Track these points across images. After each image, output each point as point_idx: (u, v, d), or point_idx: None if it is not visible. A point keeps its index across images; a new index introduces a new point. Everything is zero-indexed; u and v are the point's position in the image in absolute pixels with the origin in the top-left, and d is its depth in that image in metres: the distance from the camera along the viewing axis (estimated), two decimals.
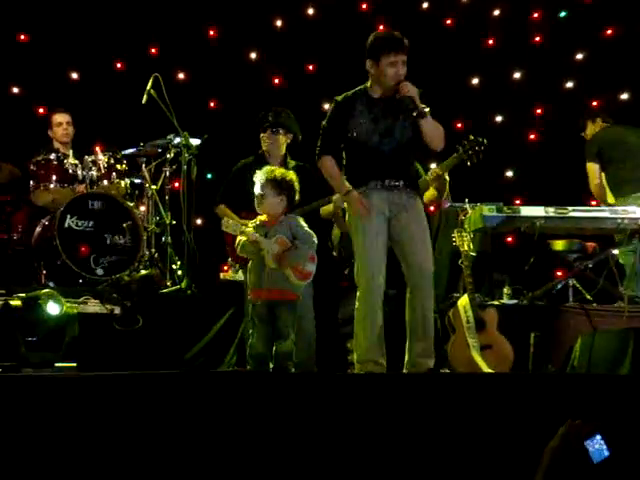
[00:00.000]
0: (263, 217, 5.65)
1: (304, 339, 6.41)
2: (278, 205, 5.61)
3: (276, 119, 6.81)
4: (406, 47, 5.70)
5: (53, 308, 5.89)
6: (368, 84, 5.83)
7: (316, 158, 5.91)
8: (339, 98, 5.87)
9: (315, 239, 5.65)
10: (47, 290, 6.12)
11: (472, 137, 6.86)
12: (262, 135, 6.86)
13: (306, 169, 6.85)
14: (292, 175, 5.71)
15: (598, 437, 2.33)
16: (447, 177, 6.94)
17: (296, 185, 5.68)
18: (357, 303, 5.76)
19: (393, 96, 5.68)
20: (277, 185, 5.59)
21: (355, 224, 5.78)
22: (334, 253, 7.20)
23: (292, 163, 6.86)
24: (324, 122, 5.91)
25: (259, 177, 5.63)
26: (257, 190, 5.61)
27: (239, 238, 5.55)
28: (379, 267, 5.71)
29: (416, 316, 5.75)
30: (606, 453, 2.32)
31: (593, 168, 8.08)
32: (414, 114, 5.59)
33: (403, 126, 5.73)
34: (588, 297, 7.62)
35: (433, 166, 7.26)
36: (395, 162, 5.75)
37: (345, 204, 5.94)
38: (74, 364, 5.74)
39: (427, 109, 5.62)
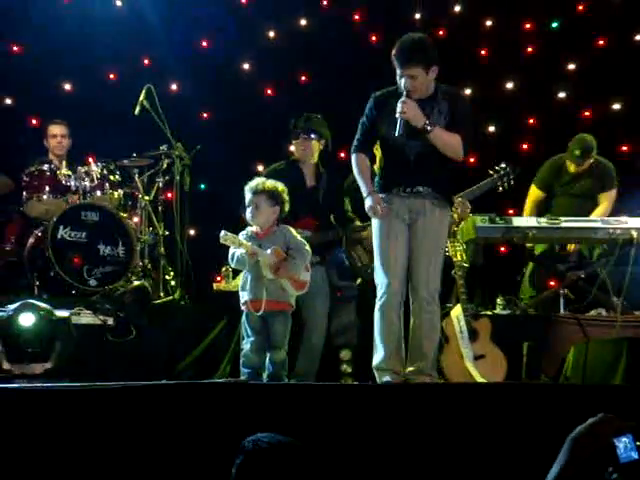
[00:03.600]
0: (253, 228, 5.66)
1: (309, 354, 6.42)
2: (272, 216, 5.63)
3: (308, 124, 6.69)
4: (416, 58, 5.49)
5: (26, 319, 5.86)
6: None
7: (350, 153, 5.84)
8: (377, 93, 5.78)
9: (308, 248, 5.67)
10: (24, 301, 6.11)
11: (505, 164, 6.89)
12: (294, 142, 6.75)
13: (338, 178, 6.81)
14: (283, 186, 5.72)
15: (630, 437, 2.29)
16: (469, 205, 6.85)
17: (286, 196, 5.69)
18: (375, 307, 5.67)
19: (420, 99, 5.59)
20: (272, 196, 5.61)
21: (375, 227, 5.71)
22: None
23: (324, 171, 6.80)
24: (361, 118, 5.82)
25: (251, 188, 5.63)
26: (249, 201, 5.61)
27: (233, 250, 5.55)
28: (396, 272, 5.61)
29: (416, 335, 5.66)
30: (635, 456, 2.27)
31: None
32: (402, 134, 5.52)
33: None
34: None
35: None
36: (420, 166, 5.63)
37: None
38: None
39: (429, 127, 5.48)
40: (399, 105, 5.50)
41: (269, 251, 5.48)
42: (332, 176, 6.80)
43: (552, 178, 8.27)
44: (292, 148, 6.83)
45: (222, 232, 5.49)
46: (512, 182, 6.91)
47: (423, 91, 5.61)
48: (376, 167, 5.86)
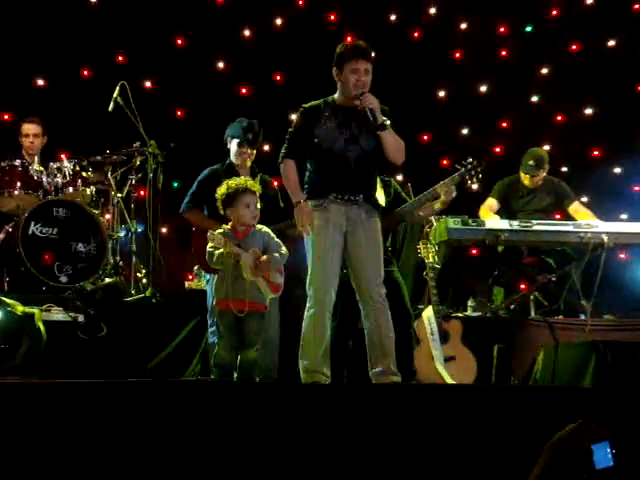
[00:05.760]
0: (227, 226, 5.64)
1: (268, 347, 6.41)
2: None
3: (254, 135, 6.81)
4: (370, 55, 5.71)
5: None
6: (336, 94, 5.83)
7: (279, 161, 5.86)
8: (306, 105, 5.85)
9: (285, 250, 5.67)
10: None
11: (471, 159, 6.85)
12: (239, 149, 6.80)
13: (270, 182, 6.91)
14: None
15: (606, 444, 2.32)
16: (455, 190, 6.78)
17: None
18: (307, 313, 5.68)
19: (355, 107, 5.69)
20: (260, 198, 5.66)
21: (310, 236, 5.71)
22: None
23: (258, 175, 6.86)
24: (290, 129, 5.88)
25: (249, 188, 5.60)
26: (252, 202, 5.59)
27: (211, 249, 5.51)
28: (332, 281, 5.65)
29: (375, 336, 5.67)
30: (611, 463, 2.30)
31: None
32: (375, 125, 5.59)
33: (368, 135, 5.69)
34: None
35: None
36: (358, 173, 5.69)
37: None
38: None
39: (387, 122, 5.60)
40: (364, 97, 5.59)
41: (249, 252, 5.48)
42: (264, 176, 6.95)
43: (507, 191, 8.33)
44: (232, 150, 6.85)
45: (209, 232, 5.48)
46: (480, 176, 6.88)
47: None
48: (307, 175, 5.85)
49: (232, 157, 6.88)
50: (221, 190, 5.65)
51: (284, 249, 5.64)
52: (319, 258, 5.66)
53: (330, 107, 5.79)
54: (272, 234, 5.68)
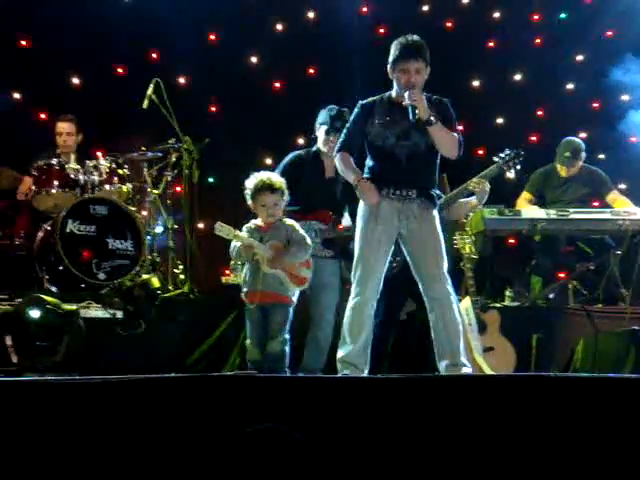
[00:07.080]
0: (258, 221, 5.68)
1: (316, 347, 6.40)
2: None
3: (344, 123, 6.46)
4: (421, 54, 5.68)
5: (34, 313, 5.90)
6: (393, 91, 5.80)
7: (333, 155, 5.92)
8: (362, 102, 5.84)
9: (309, 242, 5.68)
10: (32, 295, 6.14)
11: (509, 150, 6.77)
12: (326, 136, 6.64)
13: None
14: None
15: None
16: (489, 185, 6.71)
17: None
18: (349, 305, 5.71)
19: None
20: (284, 193, 5.68)
21: (359, 228, 5.72)
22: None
23: None
24: (347, 124, 5.90)
25: (271, 186, 5.63)
26: (272, 199, 5.62)
27: (233, 243, 5.57)
28: (375, 276, 5.65)
29: (438, 334, 5.66)
30: None
31: None
32: (418, 122, 5.55)
33: (422, 131, 5.65)
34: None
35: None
36: (410, 169, 5.68)
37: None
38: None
39: (432, 117, 5.55)
40: (407, 94, 5.57)
41: (267, 245, 5.51)
42: None
43: (542, 183, 8.28)
44: (320, 138, 6.74)
45: (217, 223, 5.52)
46: (518, 166, 6.81)
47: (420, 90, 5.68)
48: (364, 173, 5.84)
49: (320, 144, 6.74)
50: (248, 184, 5.70)
51: (308, 242, 5.66)
52: (364, 254, 5.67)
53: (385, 103, 5.78)
54: (297, 227, 5.70)
